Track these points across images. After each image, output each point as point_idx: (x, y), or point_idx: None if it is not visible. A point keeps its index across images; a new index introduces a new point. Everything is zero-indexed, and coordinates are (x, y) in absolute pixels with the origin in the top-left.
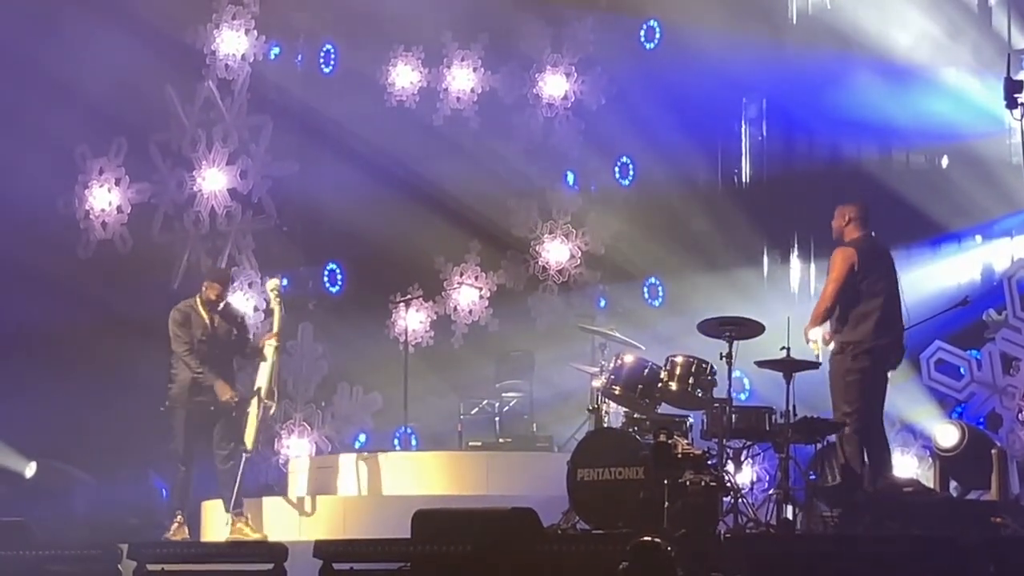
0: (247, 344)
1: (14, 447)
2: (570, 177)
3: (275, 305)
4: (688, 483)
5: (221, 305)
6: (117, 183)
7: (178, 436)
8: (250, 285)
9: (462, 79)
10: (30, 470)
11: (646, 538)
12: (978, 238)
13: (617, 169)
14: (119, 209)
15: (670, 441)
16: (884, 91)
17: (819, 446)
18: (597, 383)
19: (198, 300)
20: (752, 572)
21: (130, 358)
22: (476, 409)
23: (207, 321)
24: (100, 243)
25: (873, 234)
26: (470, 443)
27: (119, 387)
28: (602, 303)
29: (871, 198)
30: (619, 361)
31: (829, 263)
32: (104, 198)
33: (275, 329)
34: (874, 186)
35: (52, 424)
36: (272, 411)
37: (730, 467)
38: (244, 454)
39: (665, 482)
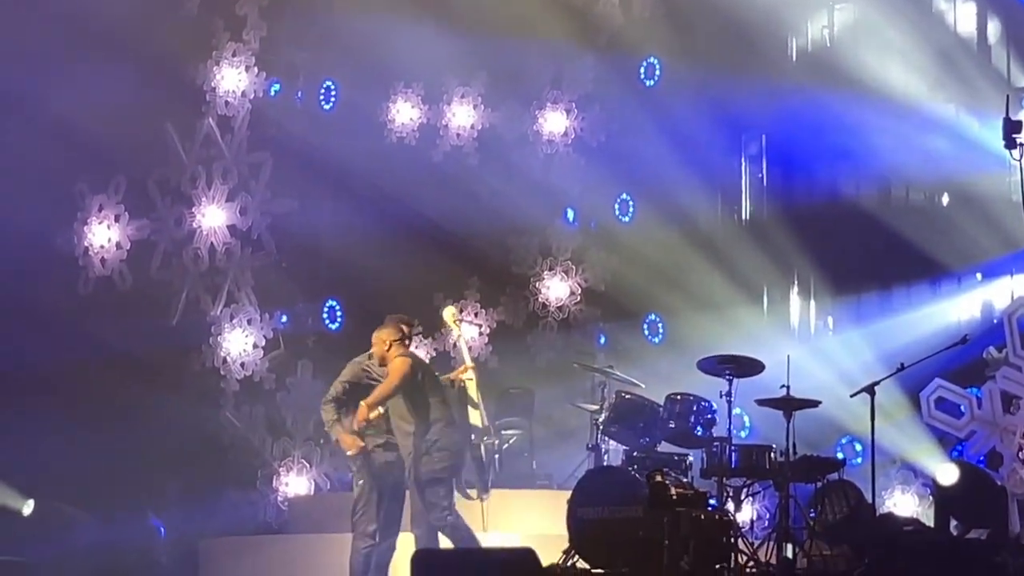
0: None
1: (12, 485)
2: (570, 214)
3: (457, 333)
4: (700, 518)
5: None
6: (116, 220)
7: (367, 503)
8: (249, 322)
9: (462, 116)
10: (27, 508)
11: None
12: (978, 276)
13: (617, 206)
14: (118, 246)
15: (666, 481)
16: (884, 129)
17: (819, 484)
18: (597, 421)
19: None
20: None
21: (129, 395)
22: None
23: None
24: (99, 280)
25: None
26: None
27: (117, 424)
28: (602, 340)
29: (870, 236)
30: (619, 399)
31: None
32: (103, 235)
33: (467, 361)
34: (873, 224)
35: (50, 462)
36: (494, 445)
37: (730, 506)
38: (484, 499)
39: (664, 520)
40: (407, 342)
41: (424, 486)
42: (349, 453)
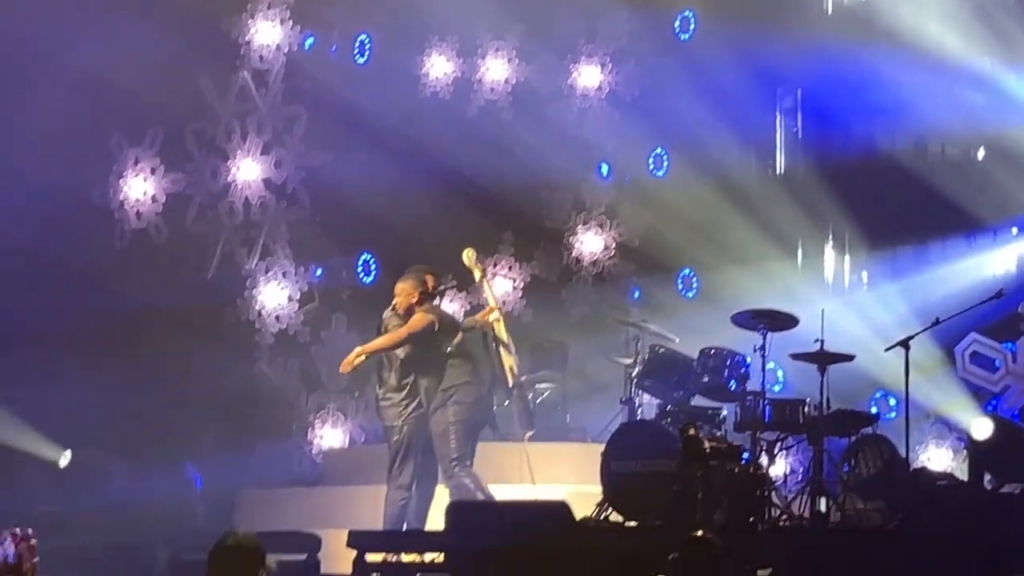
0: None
1: (49, 436)
2: (604, 168)
3: (479, 276)
4: (734, 472)
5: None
6: (152, 172)
7: (405, 456)
8: (284, 275)
9: (496, 70)
10: (64, 459)
11: (699, 533)
12: (1014, 230)
13: (651, 160)
14: (154, 199)
15: (700, 435)
16: (919, 82)
17: (853, 439)
18: (631, 374)
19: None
20: (788, 565)
21: (165, 348)
22: (509, 400)
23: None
24: (135, 233)
25: None
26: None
27: (154, 376)
28: (636, 294)
29: (906, 190)
30: (652, 353)
31: None
32: (139, 188)
33: (492, 303)
34: (909, 178)
35: (87, 414)
36: (526, 391)
37: (763, 459)
38: (526, 438)
39: (698, 474)
40: (437, 298)
41: (435, 436)
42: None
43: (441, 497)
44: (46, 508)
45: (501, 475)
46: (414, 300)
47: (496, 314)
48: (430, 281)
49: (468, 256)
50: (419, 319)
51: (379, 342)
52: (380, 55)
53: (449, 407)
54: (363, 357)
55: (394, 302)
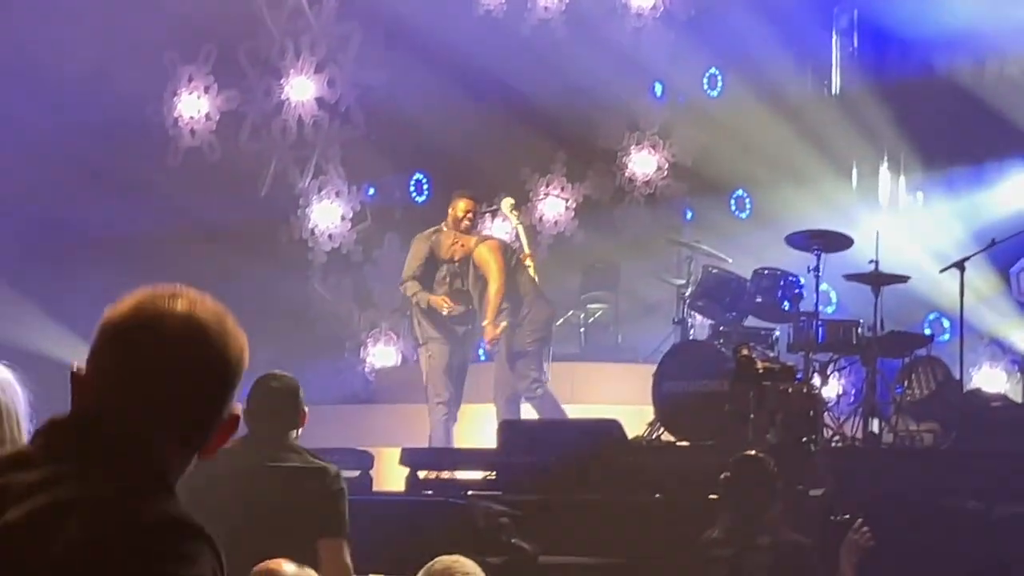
0: None
1: None
2: (658, 88)
3: (515, 224)
4: (787, 392)
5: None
6: (206, 90)
7: (442, 373)
8: (337, 194)
9: None
10: None
11: (751, 452)
12: None
13: (705, 80)
14: (207, 117)
15: (753, 355)
16: (978, 1)
17: (906, 360)
18: (683, 295)
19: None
20: (840, 486)
21: (218, 264)
22: (561, 320)
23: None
24: (188, 151)
25: None
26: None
27: (208, 292)
28: (688, 215)
29: (963, 109)
30: (705, 273)
31: None
32: (193, 105)
33: (527, 249)
34: (966, 98)
35: None
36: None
37: (816, 380)
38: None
39: (750, 394)
40: (489, 217)
41: (516, 358)
42: (445, 311)
43: (490, 416)
44: None
45: None
46: (465, 231)
47: (528, 261)
48: (461, 208)
49: (507, 204)
50: (492, 254)
51: (493, 299)
52: None
53: (526, 326)
54: (503, 322)
55: (450, 252)
